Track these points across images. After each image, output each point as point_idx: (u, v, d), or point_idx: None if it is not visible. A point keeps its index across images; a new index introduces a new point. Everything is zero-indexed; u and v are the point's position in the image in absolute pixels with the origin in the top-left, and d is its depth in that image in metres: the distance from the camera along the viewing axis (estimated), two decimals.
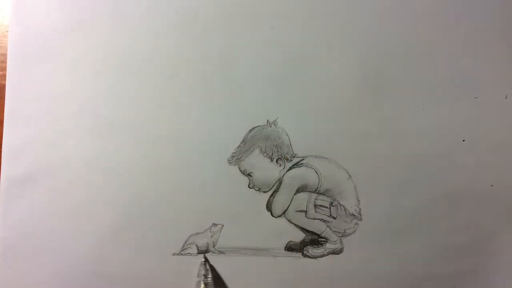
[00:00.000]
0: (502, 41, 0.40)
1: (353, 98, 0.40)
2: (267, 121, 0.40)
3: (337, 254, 0.41)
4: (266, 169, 0.41)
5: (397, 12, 0.40)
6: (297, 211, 0.41)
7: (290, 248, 0.41)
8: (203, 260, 0.40)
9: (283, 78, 0.40)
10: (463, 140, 0.41)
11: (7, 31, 0.40)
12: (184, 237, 0.40)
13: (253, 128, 0.40)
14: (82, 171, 0.39)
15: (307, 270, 0.41)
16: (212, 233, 0.40)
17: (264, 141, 0.40)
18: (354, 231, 0.41)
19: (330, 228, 0.41)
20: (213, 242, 0.40)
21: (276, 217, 0.41)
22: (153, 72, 0.40)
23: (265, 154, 0.41)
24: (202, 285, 0.38)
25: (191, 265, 0.40)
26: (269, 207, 0.41)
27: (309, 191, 0.41)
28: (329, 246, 0.41)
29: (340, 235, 0.41)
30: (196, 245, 0.40)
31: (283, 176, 0.41)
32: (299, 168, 0.41)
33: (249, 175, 0.40)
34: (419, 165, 0.41)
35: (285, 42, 0.40)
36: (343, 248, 0.41)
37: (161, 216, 0.40)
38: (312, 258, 0.41)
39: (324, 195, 0.41)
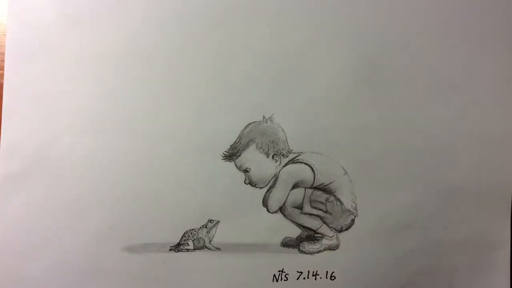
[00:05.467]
0: (499, 36, 0.40)
1: (349, 94, 0.40)
2: (263, 117, 0.40)
3: (333, 249, 0.41)
4: (262, 165, 0.41)
5: (394, 8, 0.41)
6: (293, 207, 0.41)
7: (286, 244, 0.41)
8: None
9: (279, 74, 0.40)
10: (460, 136, 0.41)
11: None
12: (180, 233, 0.40)
13: (249, 124, 0.40)
14: (78, 168, 0.39)
15: (303, 266, 0.41)
16: (208, 229, 0.40)
17: (260, 137, 0.41)
18: (350, 227, 0.41)
19: (327, 224, 0.41)
20: (209, 238, 0.40)
21: (272, 213, 0.41)
22: (149, 69, 0.40)
23: (261, 150, 0.41)
24: None
25: (187, 261, 0.40)
26: (265, 203, 0.41)
27: (305, 187, 0.41)
28: (325, 241, 0.41)
29: (337, 231, 0.41)
30: (192, 241, 0.40)
31: (279, 172, 0.41)
32: (295, 164, 0.41)
33: (245, 171, 0.40)
34: (415, 161, 0.41)
35: (281, 38, 0.40)
36: (339, 243, 0.41)
37: (157, 212, 0.40)
38: (308, 254, 0.41)
39: (320, 190, 0.41)
